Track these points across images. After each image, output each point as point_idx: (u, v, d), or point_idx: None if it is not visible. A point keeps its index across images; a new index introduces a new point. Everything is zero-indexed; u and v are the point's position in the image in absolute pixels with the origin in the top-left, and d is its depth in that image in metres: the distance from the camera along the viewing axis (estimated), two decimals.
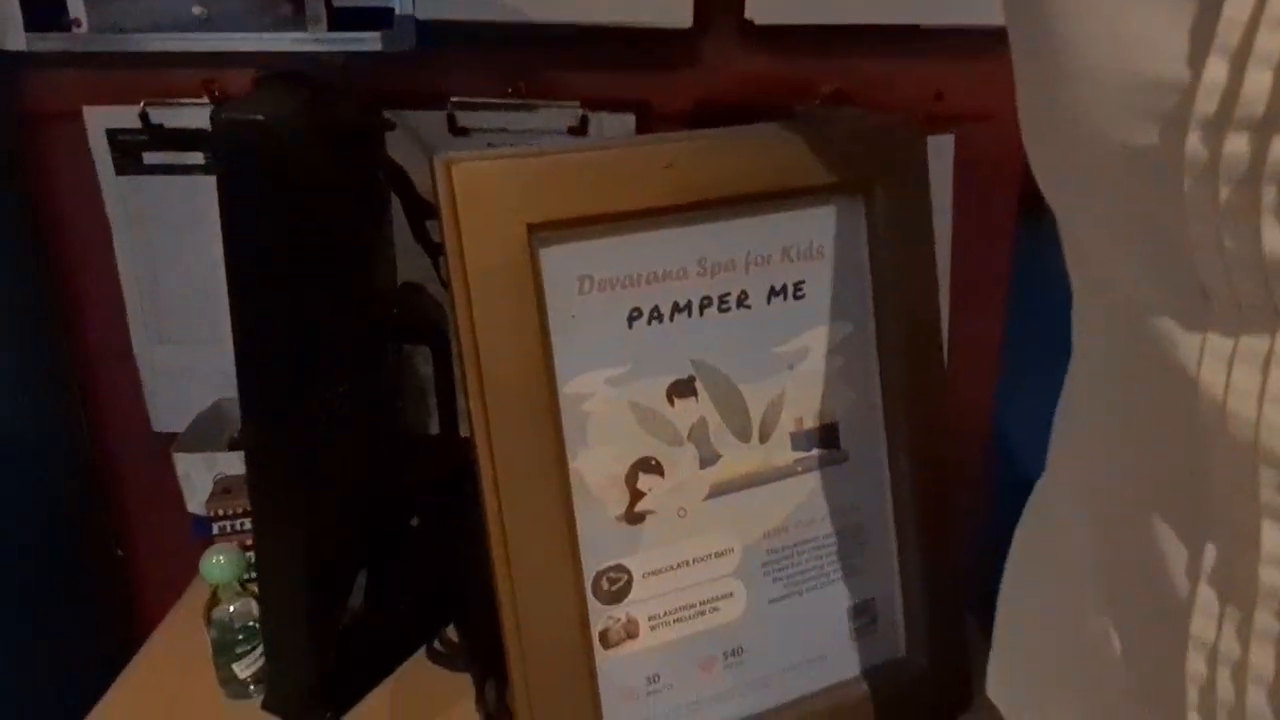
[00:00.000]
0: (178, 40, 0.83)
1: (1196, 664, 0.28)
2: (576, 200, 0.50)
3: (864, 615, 0.62)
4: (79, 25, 0.83)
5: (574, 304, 0.52)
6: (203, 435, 0.90)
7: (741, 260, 0.56)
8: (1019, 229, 0.87)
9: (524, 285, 0.50)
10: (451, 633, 0.74)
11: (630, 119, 0.86)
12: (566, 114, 0.86)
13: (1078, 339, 0.36)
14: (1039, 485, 0.43)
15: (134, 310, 0.93)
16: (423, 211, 0.67)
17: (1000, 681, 0.47)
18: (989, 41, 0.83)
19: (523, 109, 0.86)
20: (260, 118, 0.46)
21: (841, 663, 0.62)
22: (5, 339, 0.86)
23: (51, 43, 0.83)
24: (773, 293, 0.57)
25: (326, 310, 0.53)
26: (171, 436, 0.95)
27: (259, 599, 0.61)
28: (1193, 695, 0.28)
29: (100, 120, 0.86)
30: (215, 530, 0.78)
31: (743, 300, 0.56)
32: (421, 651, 0.73)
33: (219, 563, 0.65)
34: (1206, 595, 0.27)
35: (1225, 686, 0.27)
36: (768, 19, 0.81)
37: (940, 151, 0.86)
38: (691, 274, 0.55)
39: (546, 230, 0.50)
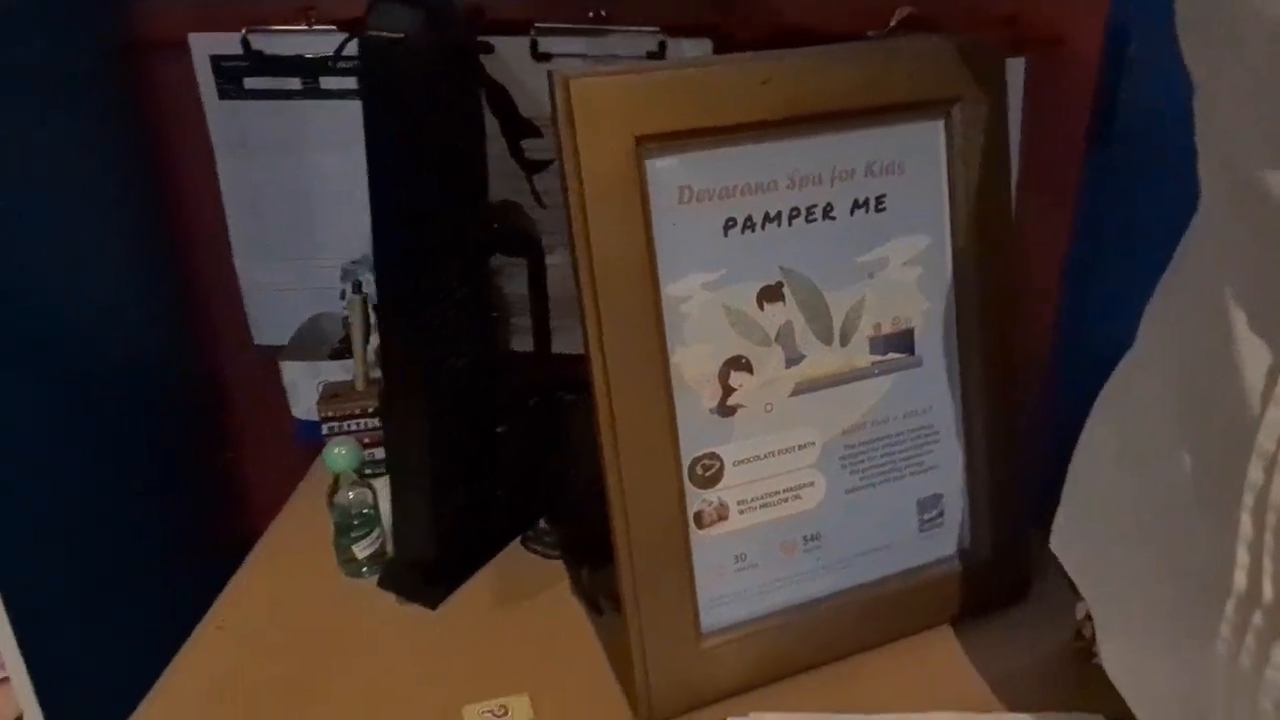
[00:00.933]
0: None
1: (1255, 472, 0.33)
2: (680, 114, 0.54)
3: (932, 509, 0.67)
4: None
5: (675, 212, 0.56)
6: (304, 346, 0.97)
7: (828, 174, 0.60)
8: (1087, 150, 0.89)
9: (631, 193, 0.54)
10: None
11: (707, 44, 0.89)
12: (645, 39, 0.89)
13: (1203, 204, 0.42)
14: (1125, 360, 0.48)
15: (235, 230, 0.99)
16: (521, 131, 0.71)
17: (1064, 533, 0.53)
18: None
19: (602, 34, 0.89)
20: (401, 35, 0.50)
21: (910, 551, 0.67)
22: (121, 257, 0.93)
23: None
24: (856, 205, 0.61)
25: (450, 218, 0.58)
26: (271, 349, 1.02)
27: (390, 474, 0.67)
28: (1248, 498, 0.34)
29: (205, 47, 0.91)
30: (325, 431, 0.85)
31: (828, 212, 0.60)
32: (515, 542, 0.79)
33: (340, 453, 0.72)
34: (1274, 414, 0.33)
35: (1277, 490, 0.33)
36: None
37: (1011, 74, 0.88)
38: (781, 186, 0.59)
39: (652, 142, 0.54)
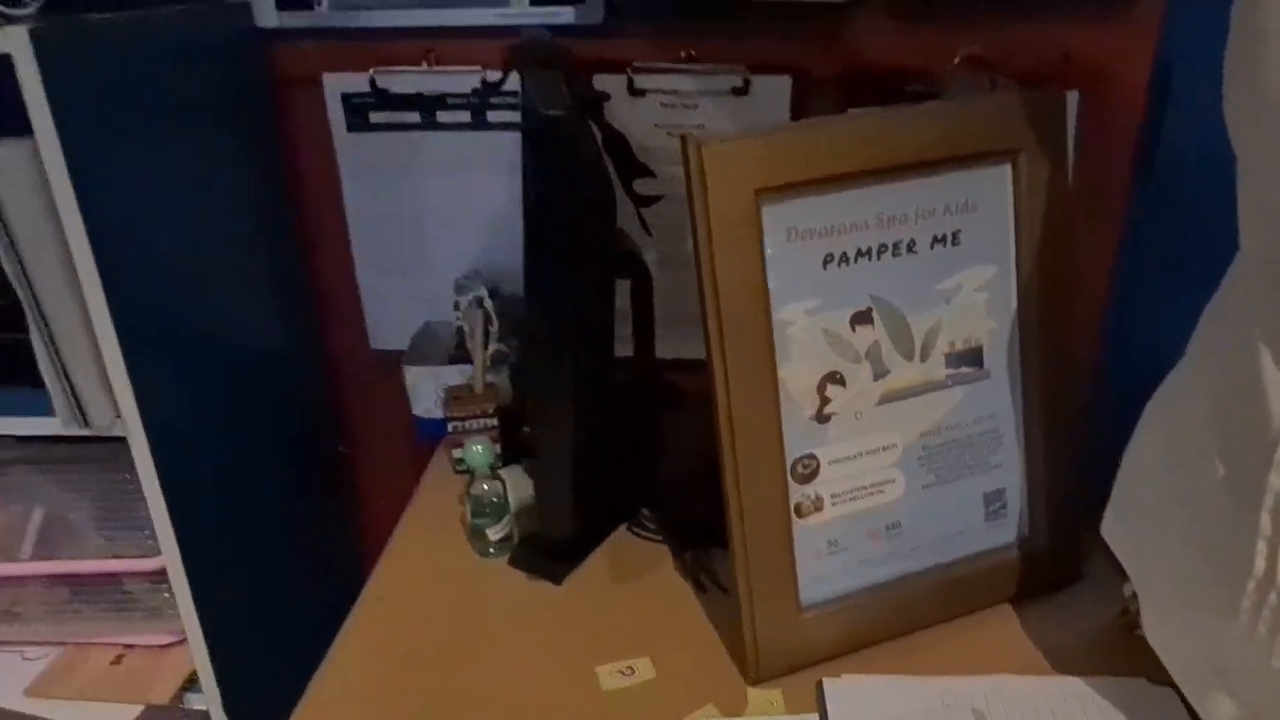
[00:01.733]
0: (403, 15, 0.99)
1: (1276, 479, 0.43)
2: (791, 169, 0.64)
3: (996, 502, 0.77)
4: (320, 4, 0.99)
5: (783, 250, 0.67)
6: (422, 352, 1.08)
7: (912, 214, 0.70)
8: (1134, 178, 0.98)
9: (749, 235, 0.65)
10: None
11: (787, 81, 0.99)
12: (731, 77, 0.99)
13: (1241, 253, 0.51)
14: (1171, 375, 0.58)
15: (357, 245, 1.10)
16: (635, 171, 0.82)
17: (1114, 523, 0.63)
18: (1112, 8, 0.93)
19: (692, 73, 0.99)
20: (560, 114, 0.61)
21: (977, 538, 0.77)
22: (260, 268, 1.05)
23: (298, 19, 1.00)
24: (935, 240, 0.71)
25: (591, 247, 0.69)
26: (386, 352, 1.14)
27: (539, 464, 0.78)
28: (1269, 501, 0.44)
29: (337, 85, 1.02)
30: (450, 430, 0.96)
31: (911, 246, 0.70)
32: (622, 527, 0.90)
33: (479, 451, 0.83)
34: None
35: None
36: None
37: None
38: (872, 226, 0.69)
39: (767, 193, 0.65)
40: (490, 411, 0.96)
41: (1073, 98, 0.96)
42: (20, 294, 0.75)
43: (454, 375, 1.03)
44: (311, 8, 0.99)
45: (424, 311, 1.12)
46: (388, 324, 1.14)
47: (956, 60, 0.96)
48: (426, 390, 1.05)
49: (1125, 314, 1.00)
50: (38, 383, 0.79)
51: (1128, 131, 0.96)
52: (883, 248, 0.69)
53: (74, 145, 0.71)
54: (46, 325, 0.76)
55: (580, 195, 0.66)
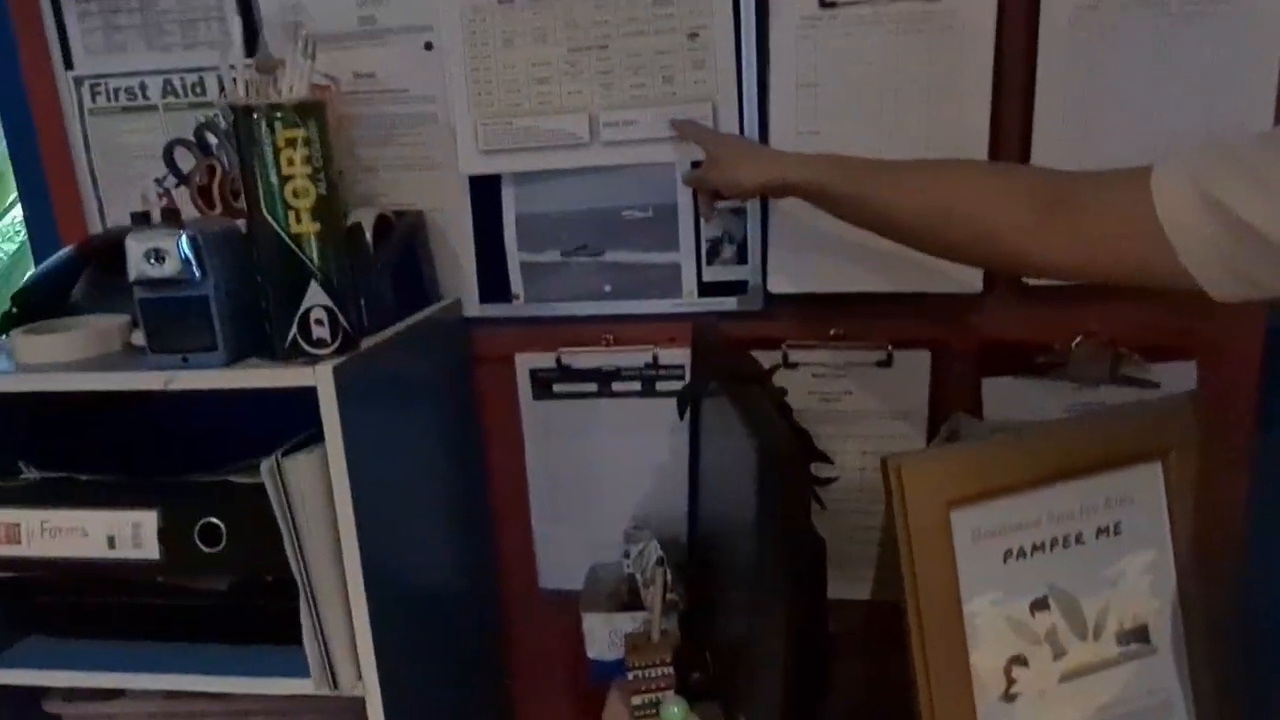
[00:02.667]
0: (589, 307, 1.15)
1: None
2: (977, 482, 0.75)
3: None
4: (518, 298, 1.16)
5: (970, 549, 0.76)
6: (595, 596, 1.17)
7: (1077, 510, 0.79)
8: (1258, 432, 1.05)
9: (942, 539, 0.75)
10: None
11: (926, 355, 1.11)
12: (875, 352, 1.11)
13: None
14: None
15: (535, 496, 1.22)
16: (814, 457, 0.93)
17: None
18: None
19: (840, 348, 1.12)
20: (784, 450, 0.72)
21: None
22: (454, 519, 1.17)
23: (498, 310, 1.16)
24: (1099, 531, 0.80)
25: (800, 541, 0.80)
26: (553, 591, 1.24)
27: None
28: None
29: (526, 363, 1.17)
30: (630, 677, 1.04)
31: (1079, 539, 0.79)
32: None
33: (676, 712, 0.91)
34: None
35: None
36: (1042, 283, 1.05)
37: (1184, 374, 1.06)
38: (1044, 523, 0.78)
39: (957, 502, 0.75)
40: (668, 660, 1.05)
41: (1192, 367, 1.06)
42: (296, 572, 0.87)
43: (627, 621, 1.12)
44: (510, 301, 1.16)
45: (590, 555, 1.23)
46: (557, 566, 1.25)
47: (1077, 342, 1.07)
48: (600, 634, 1.14)
49: (1266, 565, 1.05)
50: (291, 644, 0.90)
51: (1248, 392, 1.04)
52: (1054, 541, 0.79)
53: (352, 450, 0.85)
54: (313, 598, 0.88)
55: (802, 519, 0.77)
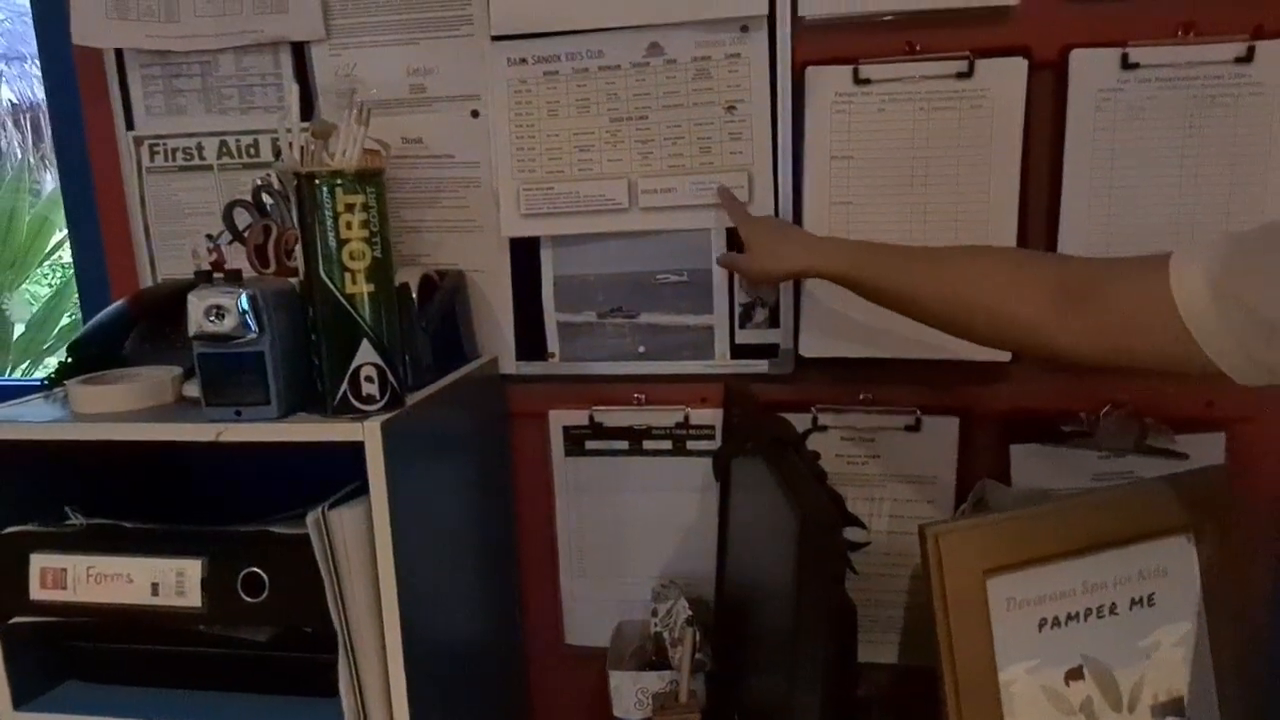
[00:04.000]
0: (623, 366, 1.17)
1: None
2: (1011, 552, 0.76)
3: None
4: (553, 356, 1.19)
5: (1004, 618, 0.77)
6: (621, 654, 1.18)
7: (1111, 581, 0.80)
8: None
9: (978, 607, 0.76)
10: None
11: (954, 421, 1.12)
12: (904, 417, 1.13)
13: None
14: None
15: (564, 552, 1.24)
16: (847, 521, 0.94)
17: None
18: None
19: (869, 413, 1.14)
20: (820, 518, 0.74)
21: None
22: (483, 572, 1.18)
23: (534, 368, 1.19)
24: (1133, 602, 0.81)
25: (835, 610, 0.80)
26: (577, 648, 1.24)
27: None
28: None
29: (559, 419, 1.20)
30: None
31: (1113, 609, 0.80)
32: None
33: None
34: None
35: None
36: None
37: (1213, 446, 1.07)
38: (1078, 593, 0.79)
39: (993, 570, 0.76)
40: None
41: (1220, 439, 1.07)
42: (336, 624, 0.89)
43: (654, 680, 1.12)
44: (546, 359, 1.18)
45: (617, 612, 1.23)
46: (582, 622, 1.25)
47: (1104, 412, 1.08)
48: (627, 692, 1.14)
49: None
50: (326, 695, 0.91)
51: (1276, 458, 1.05)
52: (1089, 611, 0.79)
53: (395, 504, 0.87)
54: (352, 650, 0.89)
55: (838, 586, 0.78)
